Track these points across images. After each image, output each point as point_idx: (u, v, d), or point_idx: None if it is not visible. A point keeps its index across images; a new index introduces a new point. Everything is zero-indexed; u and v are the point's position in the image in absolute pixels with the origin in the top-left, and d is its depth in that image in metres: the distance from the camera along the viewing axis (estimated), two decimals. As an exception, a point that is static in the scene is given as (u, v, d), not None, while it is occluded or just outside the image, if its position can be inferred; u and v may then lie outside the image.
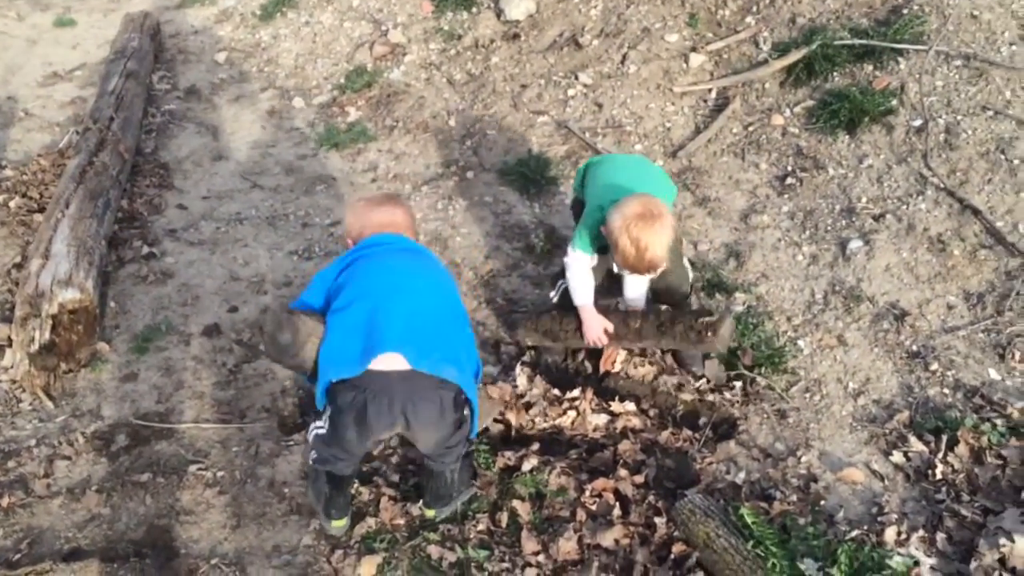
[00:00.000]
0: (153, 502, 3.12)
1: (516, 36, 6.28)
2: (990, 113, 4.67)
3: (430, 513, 3.10)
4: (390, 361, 2.66)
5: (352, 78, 6.42)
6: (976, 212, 4.27)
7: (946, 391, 3.57)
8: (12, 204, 4.91)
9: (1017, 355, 3.68)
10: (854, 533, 2.94)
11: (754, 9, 5.80)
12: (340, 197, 5.11)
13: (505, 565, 2.89)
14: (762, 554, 2.73)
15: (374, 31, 6.89)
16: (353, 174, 5.38)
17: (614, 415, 3.48)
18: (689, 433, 3.41)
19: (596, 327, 3.49)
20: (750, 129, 5.17)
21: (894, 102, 4.87)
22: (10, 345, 3.74)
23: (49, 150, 5.54)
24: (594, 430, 3.44)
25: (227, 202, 5.12)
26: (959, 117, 4.68)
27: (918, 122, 4.74)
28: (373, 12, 7.07)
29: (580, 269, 3.47)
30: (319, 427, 2.86)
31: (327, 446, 2.85)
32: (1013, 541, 2.83)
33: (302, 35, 7.15)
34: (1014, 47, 4.91)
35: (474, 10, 6.63)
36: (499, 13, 6.47)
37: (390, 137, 5.74)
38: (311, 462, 2.96)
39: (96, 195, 4.50)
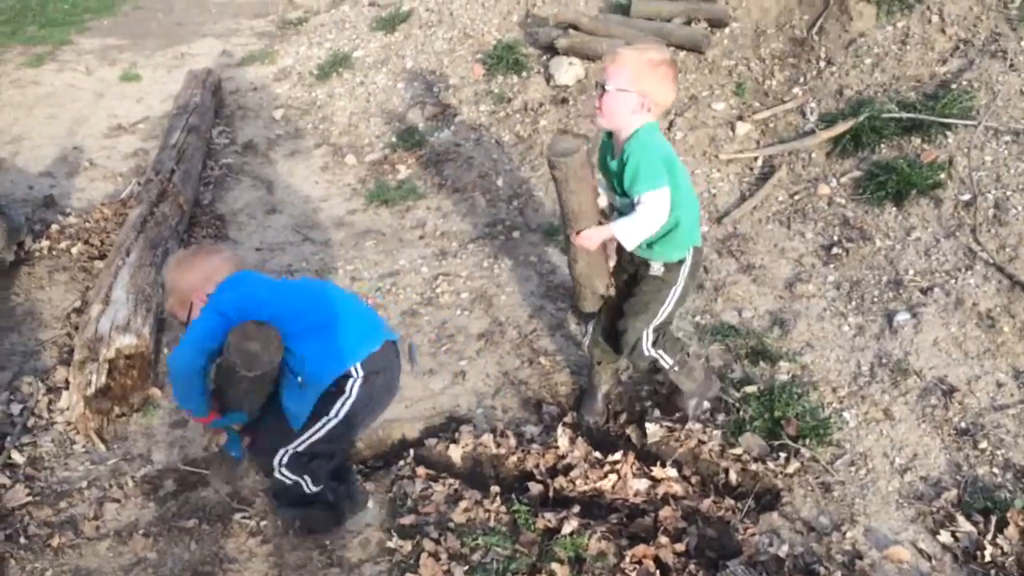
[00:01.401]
0: (198, 548, 3.16)
1: (564, 100, 6.43)
2: (1040, 189, 4.66)
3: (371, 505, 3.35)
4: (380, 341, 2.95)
5: (403, 137, 6.60)
6: (1026, 288, 4.24)
7: (995, 470, 3.50)
8: (74, 250, 5.09)
9: (1069, 436, 3.61)
10: (900, 613, 2.88)
11: (801, 80, 5.89)
12: (390, 252, 5.22)
13: (543, 630, 2.88)
14: (805, 630, 2.69)
15: (426, 92, 7.09)
16: (402, 230, 5.50)
17: (655, 480, 3.47)
18: (731, 502, 3.38)
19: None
20: (796, 198, 5.21)
21: (942, 176, 4.88)
22: (67, 387, 3.85)
23: (111, 199, 5.75)
24: (635, 495, 3.43)
25: (279, 254, 5.26)
26: (1008, 192, 4.67)
27: (967, 196, 4.74)
28: (426, 74, 7.27)
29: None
30: (310, 437, 2.92)
31: (329, 443, 2.94)
32: (1067, 630, 2.75)
33: (356, 95, 7.38)
34: (1064, 125, 4.92)
35: (524, 74, 6.80)
36: (548, 78, 6.62)
37: (438, 195, 5.87)
38: (318, 481, 3.04)
39: (155, 244, 4.65)
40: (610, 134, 3.37)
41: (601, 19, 6.65)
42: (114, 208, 5.46)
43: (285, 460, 2.98)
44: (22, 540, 3.17)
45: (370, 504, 3.24)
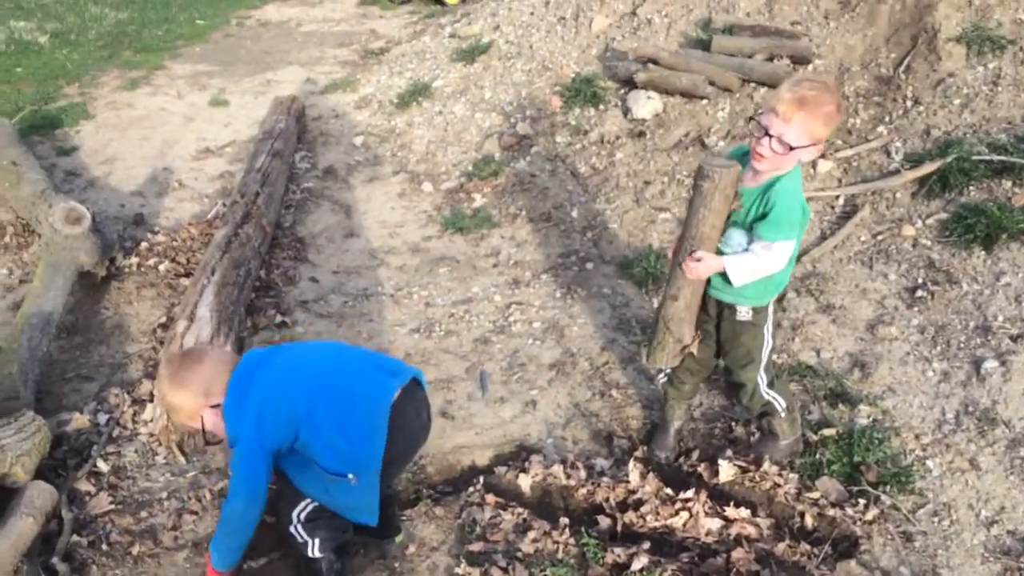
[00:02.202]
0: (268, 564, 3.21)
1: (642, 134, 6.43)
2: None
3: (400, 539, 3.30)
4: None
5: (480, 166, 6.68)
6: (1124, 339, 4.05)
7: (1090, 529, 3.34)
8: (162, 267, 5.27)
9: None
10: (986, 674, 2.75)
11: (886, 119, 5.78)
12: (463, 279, 5.27)
13: (610, 667, 2.83)
14: None
15: (503, 123, 7.17)
16: (476, 258, 5.55)
17: (728, 520, 3.40)
18: (807, 547, 3.29)
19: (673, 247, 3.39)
20: (879, 238, 5.09)
21: (1034, 220, 4.72)
22: (151, 400, 3.97)
23: (198, 219, 5.94)
24: (706, 534, 3.37)
25: (355, 278, 5.35)
26: (1105, 240, 4.50)
27: (1060, 243, 4.58)
28: (503, 105, 7.37)
29: None
30: (331, 493, 2.80)
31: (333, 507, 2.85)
32: None
33: (435, 123, 7.51)
34: None
35: (601, 107, 6.83)
36: (626, 111, 6.64)
37: (513, 224, 5.91)
38: (325, 548, 2.90)
39: (239, 264, 4.79)
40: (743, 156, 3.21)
41: (682, 54, 6.65)
42: (200, 228, 5.64)
43: (303, 515, 2.86)
44: (104, 547, 3.26)
45: None
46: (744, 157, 3.21)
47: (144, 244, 5.48)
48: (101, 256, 4.86)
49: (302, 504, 2.83)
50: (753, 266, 3.19)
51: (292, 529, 2.85)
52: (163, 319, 4.74)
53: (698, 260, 3.19)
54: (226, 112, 8.42)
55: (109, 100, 8.60)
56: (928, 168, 5.24)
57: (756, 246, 3.18)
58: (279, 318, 4.80)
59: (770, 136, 3.00)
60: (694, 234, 3.18)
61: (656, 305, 3.58)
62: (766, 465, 3.61)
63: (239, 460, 2.70)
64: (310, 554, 2.89)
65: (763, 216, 3.14)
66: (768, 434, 3.71)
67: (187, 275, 5.11)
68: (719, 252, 3.24)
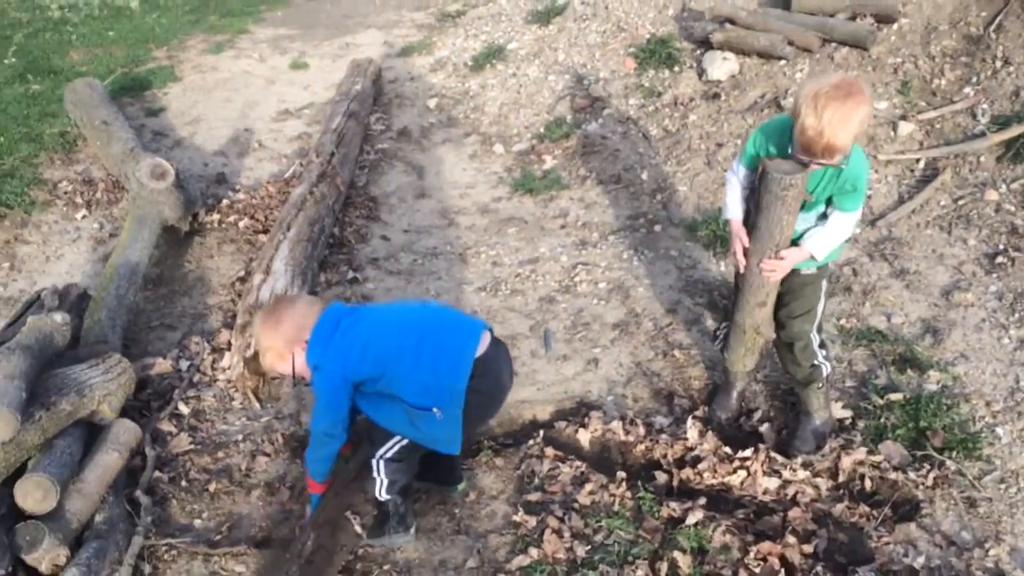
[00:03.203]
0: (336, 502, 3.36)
1: (716, 96, 6.33)
2: None
3: (462, 486, 3.44)
4: (483, 344, 2.93)
5: (551, 128, 6.69)
6: None
7: None
8: (241, 224, 5.47)
9: None
10: (1045, 640, 2.72)
11: (974, 80, 5.56)
12: (531, 240, 5.32)
13: (662, 615, 2.89)
14: (937, 645, 2.59)
15: (576, 85, 7.15)
16: (544, 219, 5.59)
17: (786, 481, 3.40)
18: (866, 509, 3.27)
19: (736, 242, 3.35)
20: (960, 203, 4.94)
21: None
22: (229, 349, 4.16)
23: (276, 178, 6.13)
24: (764, 493, 3.38)
25: (425, 237, 5.46)
26: None
27: None
28: (577, 67, 7.34)
29: (734, 184, 3.35)
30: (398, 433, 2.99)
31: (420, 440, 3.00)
32: None
33: (508, 86, 7.53)
34: None
35: (676, 69, 6.75)
36: (701, 73, 6.55)
37: (582, 186, 5.92)
38: (392, 490, 3.08)
39: (314, 222, 4.94)
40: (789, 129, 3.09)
41: (760, 13, 6.51)
42: (278, 187, 5.82)
43: (389, 455, 3.03)
44: (183, 483, 3.46)
45: (412, 531, 3.20)
46: (786, 129, 3.11)
47: (225, 201, 5.70)
48: (184, 211, 5.08)
49: (390, 443, 3.00)
50: (836, 239, 3.23)
51: (373, 463, 3.03)
52: (242, 273, 4.94)
53: (782, 259, 3.22)
54: (305, 75, 8.60)
55: (195, 63, 8.86)
56: (1016, 131, 5.04)
57: (836, 219, 3.18)
58: (351, 274, 4.95)
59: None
60: (777, 239, 3.18)
61: (735, 313, 3.57)
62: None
63: (322, 388, 2.91)
64: (379, 495, 3.06)
65: (842, 190, 3.11)
66: (802, 413, 3.67)
67: (265, 231, 5.30)
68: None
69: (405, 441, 2.99)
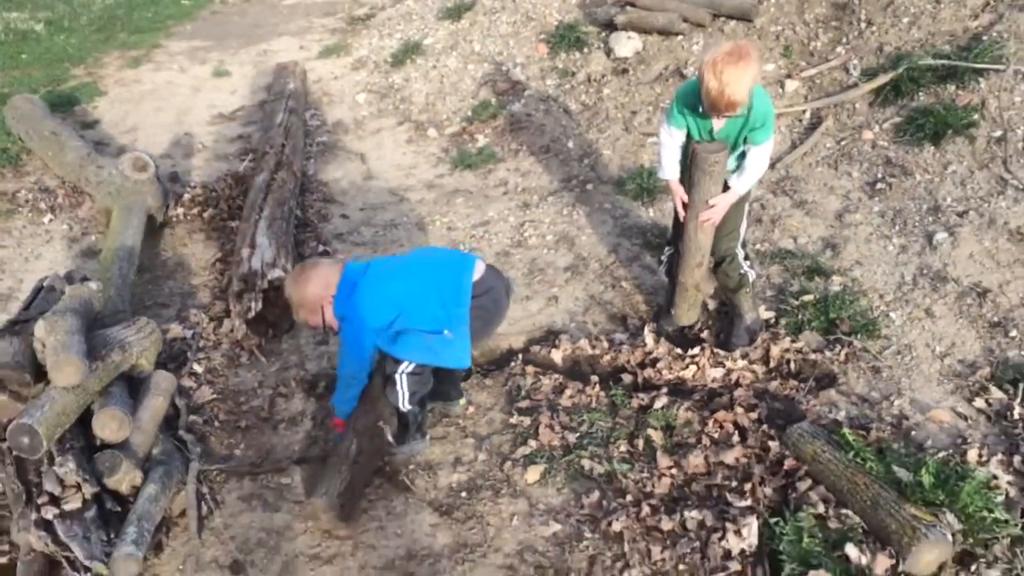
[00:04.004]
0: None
1: (625, 71, 7.06)
2: (1066, 124, 5.17)
3: (462, 402, 4.00)
4: (477, 271, 3.54)
5: (478, 111, 7.29)
6: (1053, 208, 4.76)
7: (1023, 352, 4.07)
8: (206, 215, 5.87)
9: (1091, 325, 4.16)
10: (941, 454, 3.47)
11: (844, 40, 6.45)
12: (479, 206, 5.91)
13: (645, 475, 3.53)
14: (860, 462, 3.31)
15: (495, 72, 7.76)
16: (487, 188, 6.19)
17: (729, 369, 4.10)
18: (795, 383, 4.00)
19: (677, 198, 4.02)
20: (842, 144, 5.78)
21: (975, 116, 5.42)
22: (228, 316, 4.59)
23: (229, 173, 6.51)
24: (712, 381, 4.07)
25: (381, 212, 5.97)
26: (1037, 127, 5.20)
27: (998, 133, 5.28)
28: (494, 55, 7.96)
29: (668, 144, 3.95)
30: (419, 360, 3.53)
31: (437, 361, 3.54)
32: (1082, 460, 3.33)
33: (430, 77, 8.09)
34: (1088, 65, 5.42)
35: (585, 50, 7.45)
36: (608, 52, 7.26)
37: (516, 158, 6.55)
38: (414, 402, 3.61)
39: (281, 203, 5.39)
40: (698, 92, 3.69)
41: (655, -5, 7.27)
42: (236, 178, 6.22)
43: (409, 369, 3.54)
44: (216, 424, 3.91)
45: (427, 438, 3.79)
46: (695, 91, 3.69)
47: (187, 196, 6.06)
48: (163, 201, 5.45)
49: (405, 362, 3.52)
50: (756, 173, 3.91)
51: (396, 377, 3.54)
52: (218, 254, 5.35)
53: (712, 207, 3.87)
54: (230, 81, 8.93)
55: (117, 78, 9.07)
56: (882, 80, 5.93)
57: (753, 153, 3.85)
58: (320, 248, 5.43)
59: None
60: (706, 199, 3.86)
61: (678, 274, 4.25)
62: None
63: (348, 335, 3.48)
64: (402, 406, 3.60)
65: (752, 128, 3.79)
66: (735, 316, 4.38)
67: (231, 218, 5.71)
68: None
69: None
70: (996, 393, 3.83)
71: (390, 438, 3.59)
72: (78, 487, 3.05)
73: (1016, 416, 3.70)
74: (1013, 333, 4.16)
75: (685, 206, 3.99)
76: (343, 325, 3.50)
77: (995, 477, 3.35)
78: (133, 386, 3.71)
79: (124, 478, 3.20)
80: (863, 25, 6.45)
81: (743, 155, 3.93)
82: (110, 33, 10.91)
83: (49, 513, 2.96)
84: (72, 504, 3.01)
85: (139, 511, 3.11)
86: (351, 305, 3.45)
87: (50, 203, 6.05)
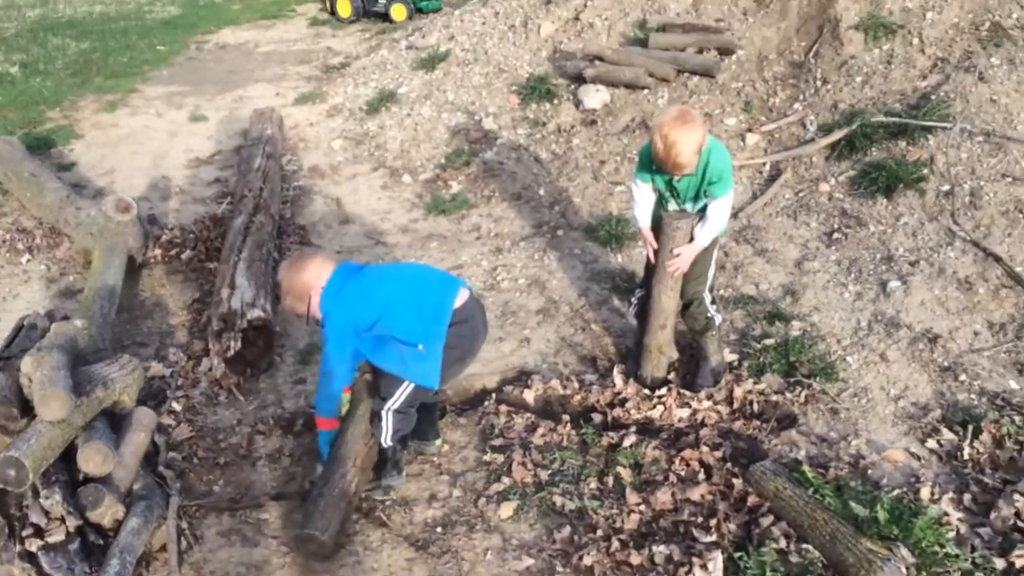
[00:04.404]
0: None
1: (593, 122, 7.33)
2: (1009, 180, 5.50)
3: (439, 442, 4.09)
4: (461, 297, 3.62)
5: (451, 158, 7.49)
6: (998, 259, 5.04)
7: (972, 396, 4.29)
8: (184, 256, 5.96)
9: (1034, 370, 4.41)
10: (895, 492, 3.65)
11: (801, 97, 6.78)
12: (452, 250, 6.07)
13: (614, 511, 3.66)
14: (819, 498, 3.47)
15: (468, 120, 8.00)
16: (460, 233, 6.36)
17: (695, 410, 4.27)
18: (758, 424, 4.18)
19: (648, 246, 4.25)
20: (800, 195, 6.06)
21: (925, 171, 5.73)
22: (207, 355, 4.68)
23: (206, 216, 6.61)
24: (679, 420, 4.23)
25: (357, 254, 6.11)
26: (982, 183, 5.51)
27: (946, 187, 5.58)
28: (467, 105, 8.20)
29: (639, 197, 4.21)
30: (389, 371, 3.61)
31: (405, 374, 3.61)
32: (1026, 497, 3.53)
33: (405, 125, 8.30)
34: (1029, 125, 5.77)
35: (555, 101, 7.72)
36: (578, 104, 7.53)
37: (489, 204, 6.74)
38: (396, 439, 3.70)
39: (260, 245, 5.51)
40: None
41: (624, 51, 7.58)
42: (215, 221, 6.33)
43: (396, 406, 3.64)
44: (195, 460, 3.99)
45: (404, 475, 3.89)
46: (649, 152, 3.97)
47: (165, 237, 6.15)
48: (143, 242, 5.54)
49: (396, 395, 3.61)
50: (717, 224, 4.12)
51: (383, 413, 3.64)
52: (196, 294, 5.44)
53: (678, 256, 4.08)
54: (206, 126, 9.07)
55: (93, 121, 9.16)
56: (837, 135, 6.24)
57: (713, 206, 4.07)
58: (298, 290, 5.53)
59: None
60: (667, 264, 4.11)
61: (643, 336, 4.48)
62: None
63: (331, 332, 3.55)
64: (384, 442, 3.70)
65: (710, 183, 4.02)
66: (701, 358, 4.56)
67: (208, 260, 5.81)
68: None
69: (407, 393, 3.62)
70: (947, 434, 4.04)
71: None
72: (62, 520, 3.11)
73: (966, 456, 3.91)
74: (962, 377, 4.39)
75: (656, 252, 4.20)
76: (327, 321, 3.56)
77: (946, 514, 3.54)
78: (115, 422, 3.78)
79: (107, 512, 3.26)
80: (819, 83, 6.79)
81: (705, 207, 4.15)
82: (86, 77, 11.00)
83: (33, 545, 3.02)
84: (56, 536, 3.07)
85: (122, 544, 3.17)
86: (338, 302, 3.53)
87: (28, 244, 6.11)
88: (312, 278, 3.57)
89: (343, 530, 3.53)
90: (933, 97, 6.22)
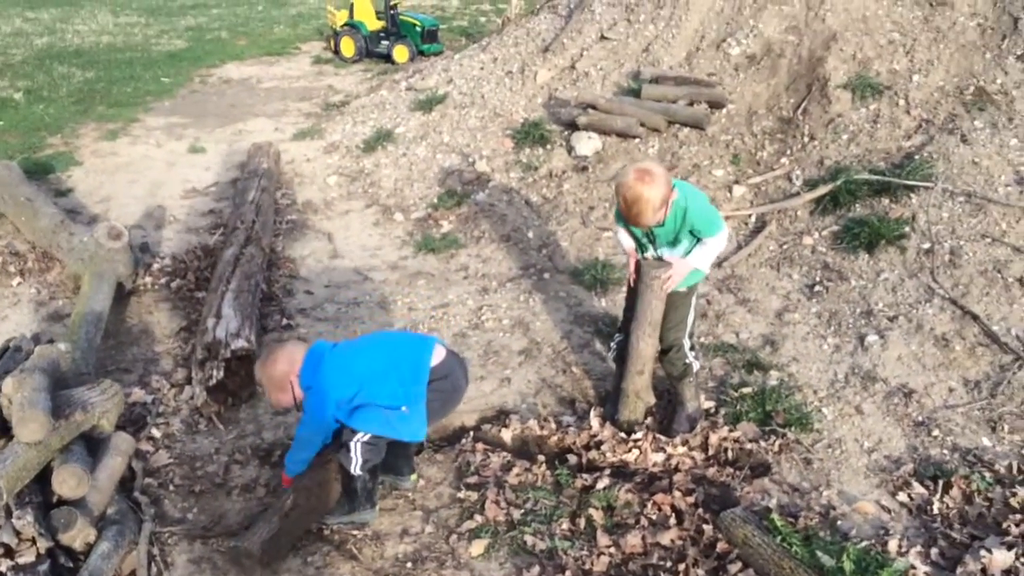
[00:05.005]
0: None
1: (584, 168, 7.45)
2: (988, 240, 5.60)
3: (413, 477, 4.14)
4: (437, 355, 3.73)
5: (443, 199, 7.60)
6: (975, 317, 5.12)
7: (945, 451, 4.34)
8: (173, 285, 6.02)
9: (1006, 428, 4.46)
10: (863, 543, 3.68)
11: (788, 152, 6.91)
12: (439, 289, 6.14)
13: (584, 552, 3.68)
14: (787, 547, 3.50)
15: (462, 162, 8.13)
16: (448, 272, 6.44)
17: (670, 455, 4.30)
18: (731, 471, 4.21)
19: (631, 262, 4.35)
20: (784, 247, 6.15)
21: (907, 229, 5.83)
22: (189, 383, 4.72)
23: (198, 246, 6.69)
24: (653, 465, 4.26)
25: (345, 290, 6.18)
26: (962, 242, 5.61)
27: (927, 245, 5.68)
28: (461, 147, 8.33)
29: (621, 233, 4.37)
30: (376, 432, 3.66)
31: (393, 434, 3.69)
32: (992, 554, 3.56)
33: (400, 164, 8.43)
34: (1009, 188, 5.90)
35: (548, 147, 7.85)
36: (570, 150, 7.67)
37: (478, 245, 6.83)
38: (365, 469, 3.72)
39: (248, 277, 5.58)
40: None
41: (616, 101, 7.74)
42: (205, 250, 6.40)
43: (365, 439, 3.68)
44: (171, 488, 4.00)
45: (376, 509, 3.90)
46: None
47: (156, 265, 6.22)
48: (134, 269, 5.60)
49: (362, 432, 3.66)
50: (712, 254, 4.19)
51: (351, 444, 3.66)
52: (183, 323, 5.49)
53: (668, 277, 4.14)
54: (205, 158, 9.19)
55: (93, 149, 9.29)
56: (822, 190, 6.36)
57: (708, 241, 4.13)
58: (284, 321, 5.60)
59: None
60: (649, 316, 4.19)
61: (620, 382, 4.51)
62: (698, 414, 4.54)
63: (311, 404, 3.65)
64: (352, 471, 3.71)
65: (690, 231, 4.10)
66: (678, 404, 4.60)
67: (198, 289, 5.87)
68: None
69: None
70: (918, 488, 4.08)
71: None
72: (33, 541, 3.13)
73: (935, 511, 3.94)
74: (936, 432, 4.44)
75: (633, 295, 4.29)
76: (307, 394, 3.66)
77: (913, 567, 3.56)
78: (92, 446, 3.81)
79: (78, 535, 3.28)
80: (806, 139, 6.94)
81: (687, 250, 4.22)
82: (88, 105, 11.17)
83: (3, 565, 3.03)
84: (26, 557, 3.08)
85: (91, 568, 3.18)
86: (318, 376, 3.64)
87: (19, 266, 6.17)
88: (287, 365, 3.66)
89: (280, 545, 3.59)
90: (917, 157, 6.35)
